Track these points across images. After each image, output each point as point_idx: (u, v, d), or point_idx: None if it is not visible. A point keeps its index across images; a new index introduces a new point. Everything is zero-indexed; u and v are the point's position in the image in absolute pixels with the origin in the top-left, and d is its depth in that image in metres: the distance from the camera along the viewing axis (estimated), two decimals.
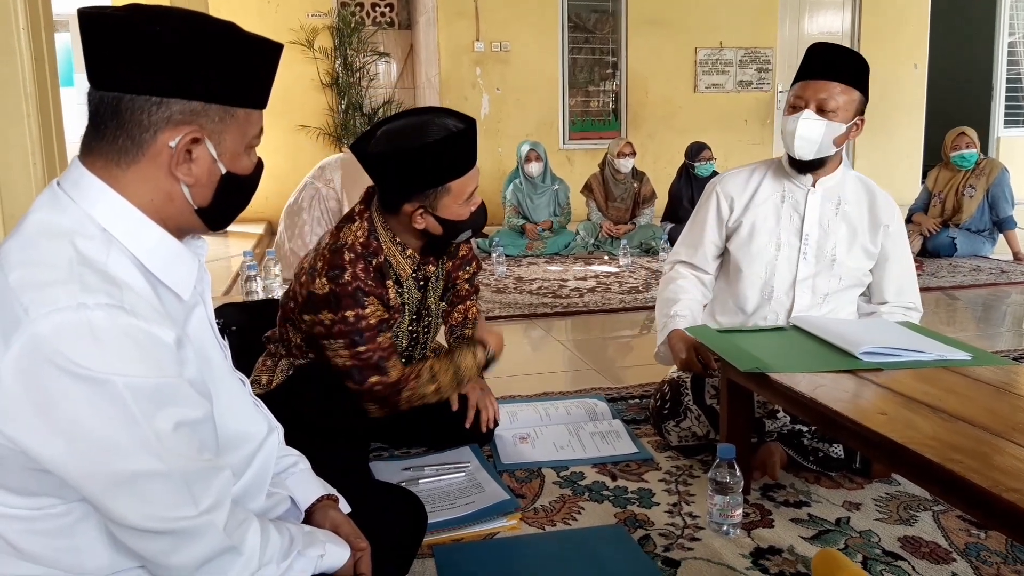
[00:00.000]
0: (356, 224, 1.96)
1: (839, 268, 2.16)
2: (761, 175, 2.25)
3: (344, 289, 1.87)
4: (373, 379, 1.92)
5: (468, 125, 1.85)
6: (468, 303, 2.31)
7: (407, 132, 1.84)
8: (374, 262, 1.93)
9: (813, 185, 2.17)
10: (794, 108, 2.08)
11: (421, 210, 1.89)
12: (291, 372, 2.06)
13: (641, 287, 4.73)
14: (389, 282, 1.97)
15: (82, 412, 0.87)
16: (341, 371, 1.93)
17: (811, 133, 2.05)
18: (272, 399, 1.76)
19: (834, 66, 2.05)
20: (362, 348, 1.90)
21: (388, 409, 1.98)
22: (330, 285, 1.87)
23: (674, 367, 2.25)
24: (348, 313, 1.87)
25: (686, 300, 2.25)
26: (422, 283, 2.07)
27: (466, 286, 2.30)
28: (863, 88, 2.07)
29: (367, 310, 1.89)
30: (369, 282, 1.91)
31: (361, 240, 1.93)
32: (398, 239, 1.97)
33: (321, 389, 1.98)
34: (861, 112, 2.09)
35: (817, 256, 2.17)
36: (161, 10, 0.98)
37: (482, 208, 2.00)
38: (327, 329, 1.89)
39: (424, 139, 1.81)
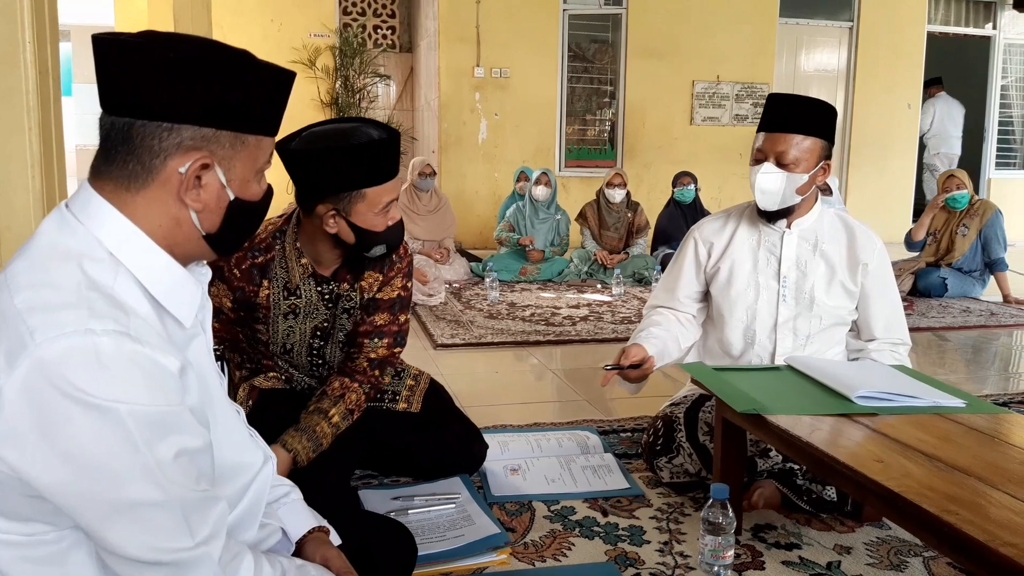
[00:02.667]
0: (276, 220, 1.97)
1: (819, 309, 2.17)
2: (737, 220, 2.28)
3: (214, 262, 1.81)
4: None
5: (392, 136, 1.82)
6: (359, 378, 2.00)
7: (331, 135, 1.82)
8: (259, 259, 1.93)
9: (788, 227, 2.19)
10: (756, 160, 2.11)
11: (334, 212, 1.81)
12: (250, 402, 2.05)
13: (634, 317, 4.73)
14: (265, 282, 1.93)
15: (84, 439, 0.86)
16: None
17: (771, 186, 2.08)
18: None
19: (792, 117, 2.07)
20: None
21: None
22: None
23: (668, 402, 2.25)
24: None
25: (653, 328, 2.24)
26: (327, 297, 1.99)
27: (364, 363, 2.02)
28: (825, 134, 2.09)
29: (211, 289, 1.82)
30: (235, 271, 1.91)
31: (262, 235, 1.94)
32: (298, 244, 1.94)
33: (288, 417, 1.95)
34: (826, 157, 2.11)
35: (796, 298, 2.18)
36: (175, 36, 0.99)
37: (399, 225, 1.91)
38: None
39: (346, 142, 1.78)
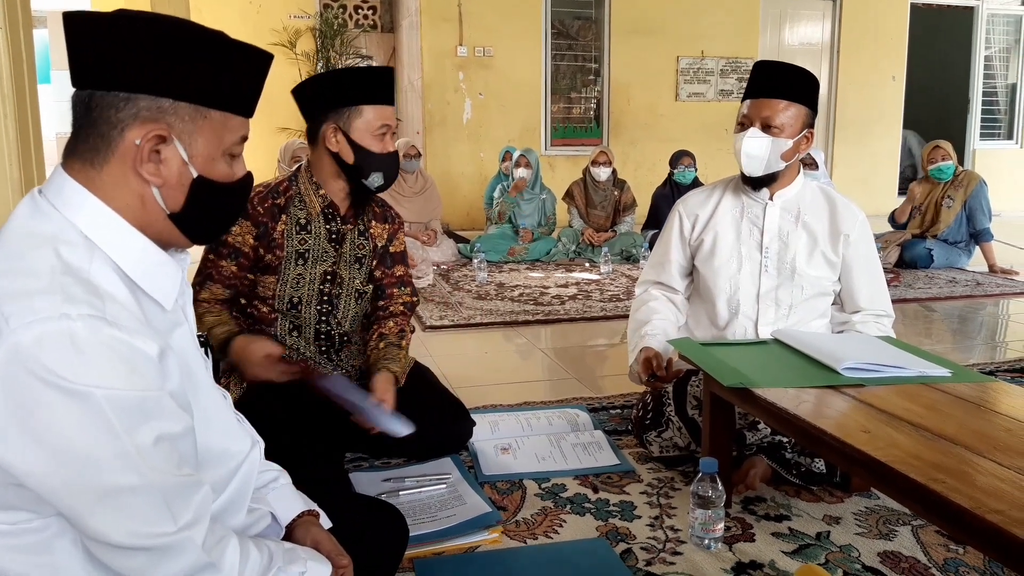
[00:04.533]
0: (284, 173, 2.17)
1: (800, 279, 2.19)
2: (721, 192, 2.30)
3: None
4: (195, 282, 2.02)
5: (387, 68, 2.09)
6: (401, 320, 2.23)
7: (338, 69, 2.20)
8: (279, 200, 2.08)
9: (771, 198, 2.20)
10: (741, 126, 2.13)
11: (335, 128, 2.01)
12: (244, 384, 2.04)
13: (622, 295, 4.73)
14: (284, 217, 2.07)
15: (61, 424, 0.86)
16: None
17: (756, 150, 2.10)
18: None
19: (778, 83, 2.09)
20: (210, 256, 2.04)
21: None
22: None
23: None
24: None
25: (657, 320, 2.28)
26: (335, 237, 2.12)
27: (400, 307, 2.24)
28: (809, 102, 2.11)
29: (233, 228, 2.00)
30: (258, 208, 2.04)
31: (278, 180, 2.12)
32: (315, 179, 2.10)
33: (280, 401, 1.95)
34: (810, 125, 2.13)
35: (778, 268, 2.20)
36: (145, 13, 0.98)
37: (395, 156, 2.07)
38: None
39: (346, 68, 2.11)
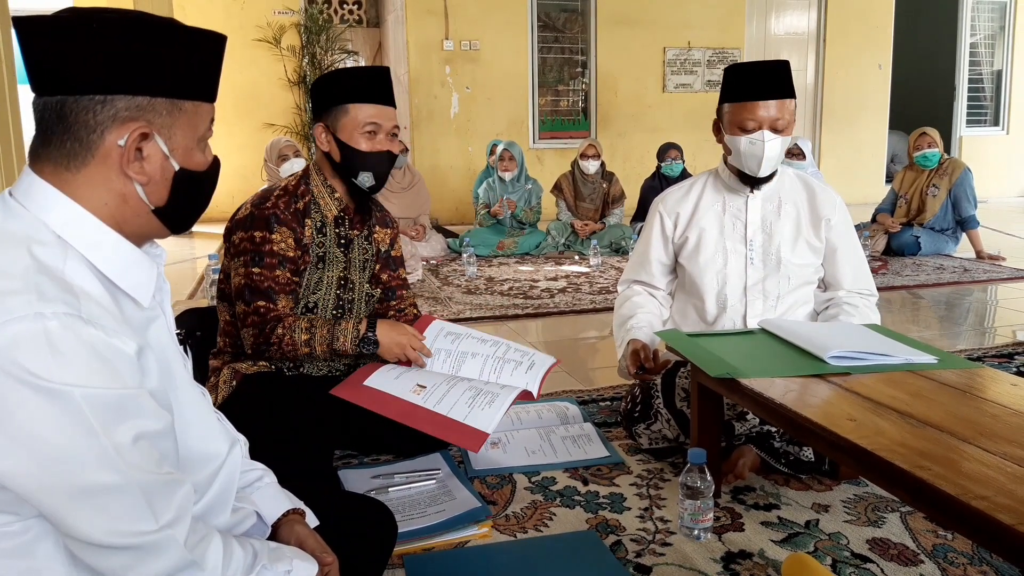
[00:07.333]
0: (293, 176, 2.16)
1: (786, 269, 2.20)
2: (701, 188, 2.30)
3: (262, 212, 2.02)
4: (260, 303, 1.98)
5: (377, 67, 2.09)
6: (408, 297, 2.34)
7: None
8: (299, 204, 2.07)
9: (751, 191, 2.20)
10: (744, 130, 2.09)
11: (323, 128, 2.04)
12: (234, 383, 2.03)
13: (611, 287, 4.73)
14: (308, 221, 2.07)
15: (39, 424, 0.85)
16: (236, 292, 2.02)
17: (776, 153, 2.11)
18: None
19: (773, 84, 2.10)
20: (256, 271, 1.99)
21: (260, 341, 1.98)
22: (251, 208, 2.04)
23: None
24: (256, 233, 2.00)
25: (642, 314, 2.29)
26: (344, 241, 2.13)
27: (412, 309, 2.33)
28: (794, 93, 2.15)
29: (274, 236, 2.00)
30: (287, 213, 2.03)
31: (292, 183, 2.11)
32: (328, 182, 2.10)
33: (269, 400, 1.94)
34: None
35: (764, 260, 2.21)
36: (96, 10, 0.97)
37: (385, 155, 2.06)
38: (236, 248, 2.02)
39: (336, 70, 2.15)
